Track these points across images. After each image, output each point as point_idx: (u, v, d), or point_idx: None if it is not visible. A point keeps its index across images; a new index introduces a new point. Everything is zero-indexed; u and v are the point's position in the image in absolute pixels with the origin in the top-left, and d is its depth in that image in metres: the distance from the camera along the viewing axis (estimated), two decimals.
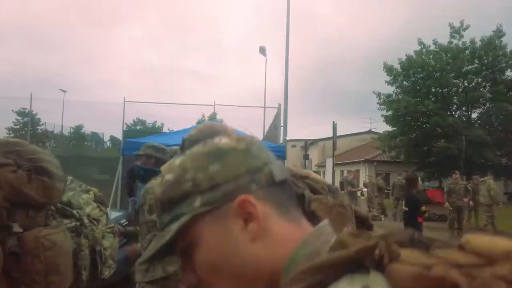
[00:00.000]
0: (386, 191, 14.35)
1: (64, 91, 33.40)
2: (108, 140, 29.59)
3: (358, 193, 13.69)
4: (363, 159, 24.25)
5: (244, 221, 0.56)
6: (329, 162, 14.07)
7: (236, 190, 0.57)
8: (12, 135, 29.69)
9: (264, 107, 17.13)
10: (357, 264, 0.47)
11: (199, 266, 0.58)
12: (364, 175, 18.75)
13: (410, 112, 16.83)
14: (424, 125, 17.76)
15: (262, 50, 25.82)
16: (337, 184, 14.87)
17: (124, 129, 13.47)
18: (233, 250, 0.56)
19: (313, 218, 0.73)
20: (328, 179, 13.80)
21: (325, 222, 0.59)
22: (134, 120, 33.54)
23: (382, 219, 12.83)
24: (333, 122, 9.82)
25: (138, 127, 35.35)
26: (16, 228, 1.20)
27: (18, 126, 31.39)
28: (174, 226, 0.57)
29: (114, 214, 4.91)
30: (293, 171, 1.18)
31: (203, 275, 0.58)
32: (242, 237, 0.56)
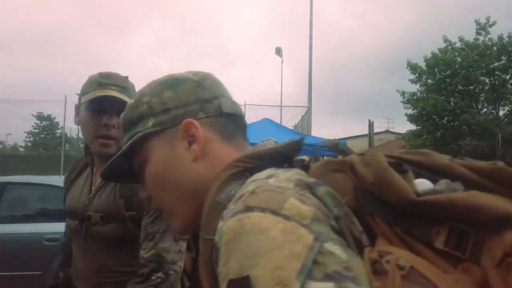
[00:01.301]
0: None
1: (78, 94, 33.56)
2: None
3: None
4: None
5: (188, 143, 0.63)
6: None
7: (184, 115, 0.63)
8: (31, 138, 30.10)
9: (281, 106, 17.22)
10: (288, 163, 0.58)
11: (148, 180, 0.65)
12: None
13: (438, 110, 16.55)
14: (451, 123, 17.46)
15: (278, 51, 25.73)
16: None
17: None
18: (176, 166, 0.63)
19: None
20: None
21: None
22: None
23: None
24: (369, 120, 9.61)
25: None
26: None
27: (37, 130, 31.72)
28: (128, 142, 0.65)
29: None
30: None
31: (151, 188, 0.65)
32: (185, 156, 0.63)
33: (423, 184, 0.47)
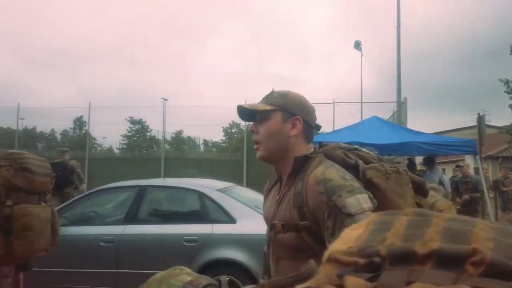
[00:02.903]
0: None
1: (165, 100, 35.53)
2: (202, 144, 31.22)
3: None
4: (484, 155, 21.73)
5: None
6: (467, 158, 12.66)
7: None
8: (126, 141, 32.93)
9: (361, 102, 16.47)
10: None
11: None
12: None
13: None
14: None
15: (357, 45, 24.76)
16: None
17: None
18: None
19: (370, 185, 1.20)
20: None
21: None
22: (230, 124, 34.77)
23: None
24: (478, 114, 8.74)
25: (233, 130, 36.56)
26: (9, 202, 2.20)
27: (131, 133, 34.55)
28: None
29: None
30: (342, 145, 1.37)
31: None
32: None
33: None
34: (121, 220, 4.14)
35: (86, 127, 32.61)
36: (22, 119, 17.99)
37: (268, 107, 1.28)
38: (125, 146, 31.56)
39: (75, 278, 3.99)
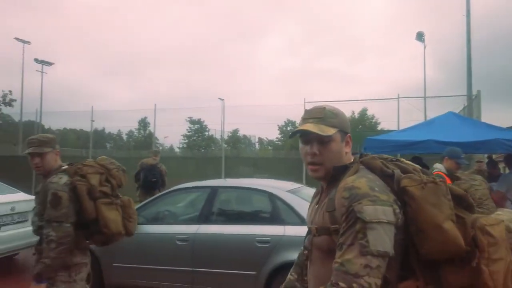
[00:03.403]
0: None
1: (222, 99, 36.17)
2: (257, 142, 31.42)
3: None
4: None
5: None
6: None
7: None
8: (186, 140, 34.23)
9: (425, 97, 15.43)
10: None
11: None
12: None
13: None
14: None
15: (420, 36, 23.42)
16: None
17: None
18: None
19: (404, 194, 1.23)
20: None
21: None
22: (285, 122, 34.69)
23: None
24: None
25: (288, 128, 36.41)
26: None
27: (190, 133, 35.87)
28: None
29: None
30: (381, 155, 1.42)
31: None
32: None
33: None
34: (195, 220, 4.26)
35: (150, 128, 34.59)
36: (92, 121, 19.32)
37: (332, 130, 1.33)
38: (185, 145, 32.85)
39: (154, 274, 4.19)
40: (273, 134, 35.25)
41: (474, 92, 12.96)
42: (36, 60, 23.42)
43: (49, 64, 24.16)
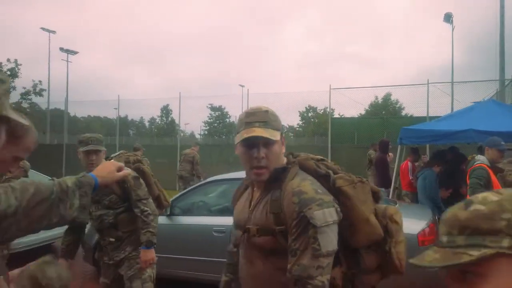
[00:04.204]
0: None
1: (243, 86, 36.09)
2: None
3: None
4: None
5: None
6: None
7: None
8: (207, 127, 34.46)
9: (452, 82, 14.81)
10: None
11: None
12: None
13: None
14: None
15: (448, 18, 22.59)
16: None
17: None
18: None
19: (340, 193, 1.34)
20: None
21: None
22: (306, 108, 34.31)
23: None
24: None
25: (310, 114, 36.03)
26: None
27: (211, 120, 36.06)
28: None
29: None
30: (309, 155, 1.47)
31: None
32: None
33: None
34: (231, 211, 4.26)
35: (172, 115, 34.86)
36: (115, 108, 19.58)
37: (278, 134, 1.36)
38: (206, 132, 33.05)
39: (190, 265, 4.24)
40: (295, 121, 34.99)
41: (508, 77, 12.43)
42: (61, 49, 23.85)
43: (73, 53, 24.57)
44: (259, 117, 1.37)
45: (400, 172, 6.36)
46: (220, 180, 4.72)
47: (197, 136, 31.50)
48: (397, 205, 4.36)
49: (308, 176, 1.37)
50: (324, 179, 1.37)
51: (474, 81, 13.21)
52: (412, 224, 3.68)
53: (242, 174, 4.95)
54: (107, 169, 1.35)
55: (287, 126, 35.04)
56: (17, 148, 1.15)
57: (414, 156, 6.35)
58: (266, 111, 1.39)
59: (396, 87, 14.36)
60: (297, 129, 35.53)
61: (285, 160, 1.44)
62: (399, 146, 6.29)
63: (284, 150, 1.44)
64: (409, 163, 6.39)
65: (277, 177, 1.38)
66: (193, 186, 4.81)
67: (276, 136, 1.34)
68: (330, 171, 1.39)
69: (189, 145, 12.55)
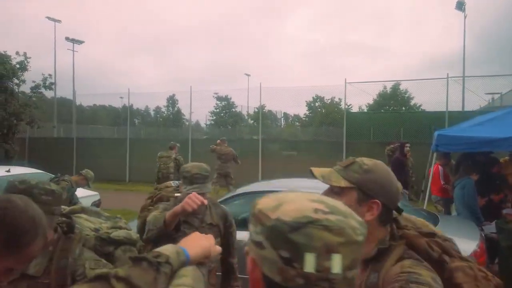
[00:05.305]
0: None
1: (248, 75, 35.49)
2: (282, 117, 30.88)
3: None
4: None
5: None
6: None
7: None
8: (214, 117, 34.19)
9: (464, 76, 14.32)
10: None
11: None
12: None
13: None
14: None
15: (460, 5, 22.06)
16: None
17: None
18: None
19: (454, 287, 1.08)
20: None
21: None
22: (313, 97, 33.87)
23: None
24: None
25: (317, 104, 35.61)
26: None
27: (218, 110, 35.75)
28: None
29: None
30: (418, 225, 1.22)
31: None
32: None
33: None
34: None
35: (178, 105, 34.51)
36: (121, 98, 19.30)
37: (342, 183, 1.14)
38: (213, 122, 32.79)
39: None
40: (302, 110, 34.57)
41: None
42: (67, 38, 23.50)
43: (79, 42, 24.21)
44: (350, 165, 1.20)
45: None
46: (250, 193, 4.50)
47: (203, 126, 31.22)
48: (439, 220, 4.13)
49: (422, 262, 1.08)
50: (436, 266, 1.09)
51: (494, 76, 12.74)
52: (463, 243, 3.46)
53: (273, 186, 4.71)
54: (203, 247, 1.00)
55: (293, 115, 34.63)
56: (15, 259, 1.02)
57: (445, 160, 6.09)
58: (366, 163, 1.20)
59: (415, 81, 13.95)
60: (304, 119, 35.15)
61: (386, 235, 1.15)
62: (431, 153, 6.04)
63: (369, 219, 1.13)
64: (440, 168, 6.14)
65: (377, 257, 1.12)
66: (222, 199, 4.58)
67: (338, 184, 1.15)
68: (446, 256, 1.12)
69: (195, 140, 12.29)
